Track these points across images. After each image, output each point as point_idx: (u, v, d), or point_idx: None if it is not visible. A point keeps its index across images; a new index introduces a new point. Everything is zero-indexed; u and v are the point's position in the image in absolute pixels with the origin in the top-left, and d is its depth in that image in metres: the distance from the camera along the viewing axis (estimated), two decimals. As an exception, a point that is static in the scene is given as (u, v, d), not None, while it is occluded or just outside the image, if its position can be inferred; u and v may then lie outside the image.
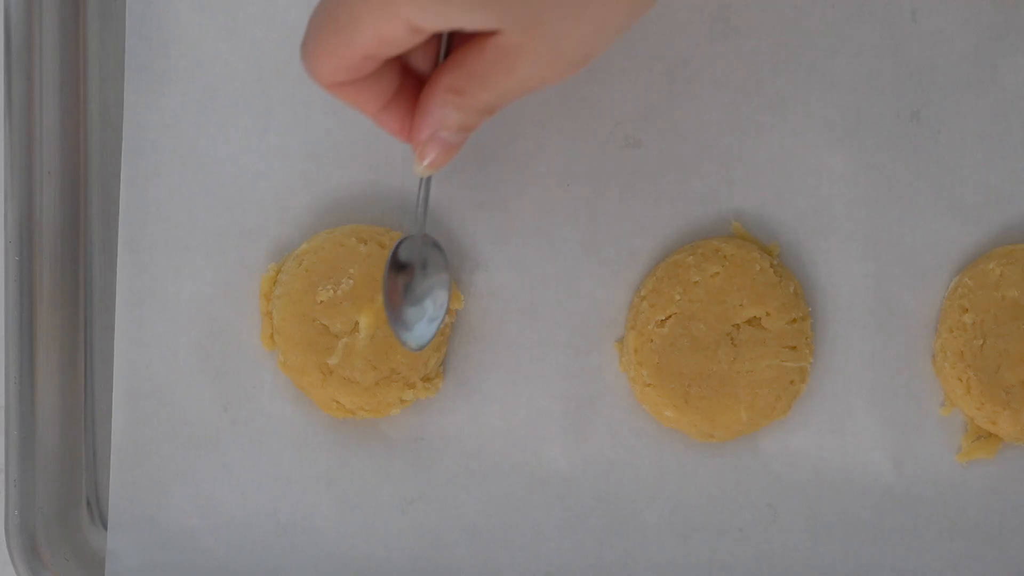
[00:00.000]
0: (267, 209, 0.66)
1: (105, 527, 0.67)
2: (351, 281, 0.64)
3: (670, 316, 0.65)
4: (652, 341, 0.65)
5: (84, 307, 0.68)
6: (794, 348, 0.65)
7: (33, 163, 0.66)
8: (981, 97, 0.66)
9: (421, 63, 0.55)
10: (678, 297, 0.65)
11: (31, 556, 0.65)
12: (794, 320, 0.65)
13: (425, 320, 0.63)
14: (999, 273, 0.65)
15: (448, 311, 0.64)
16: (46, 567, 0.65)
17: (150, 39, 0.65)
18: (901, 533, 0.66)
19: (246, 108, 0.66)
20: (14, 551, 0.65)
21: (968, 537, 0.66)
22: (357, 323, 0.64)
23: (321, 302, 0.64)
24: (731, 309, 0.65)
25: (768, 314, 0.65)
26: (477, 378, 0.66)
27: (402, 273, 0.63)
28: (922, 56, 0.66)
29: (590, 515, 0.66)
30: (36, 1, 0.66)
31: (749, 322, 0.65)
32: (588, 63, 0.50)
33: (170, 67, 0.66)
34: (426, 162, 0.56)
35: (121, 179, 0.65)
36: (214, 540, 0.66)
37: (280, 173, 0.66)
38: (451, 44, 0.55)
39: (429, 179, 0.61)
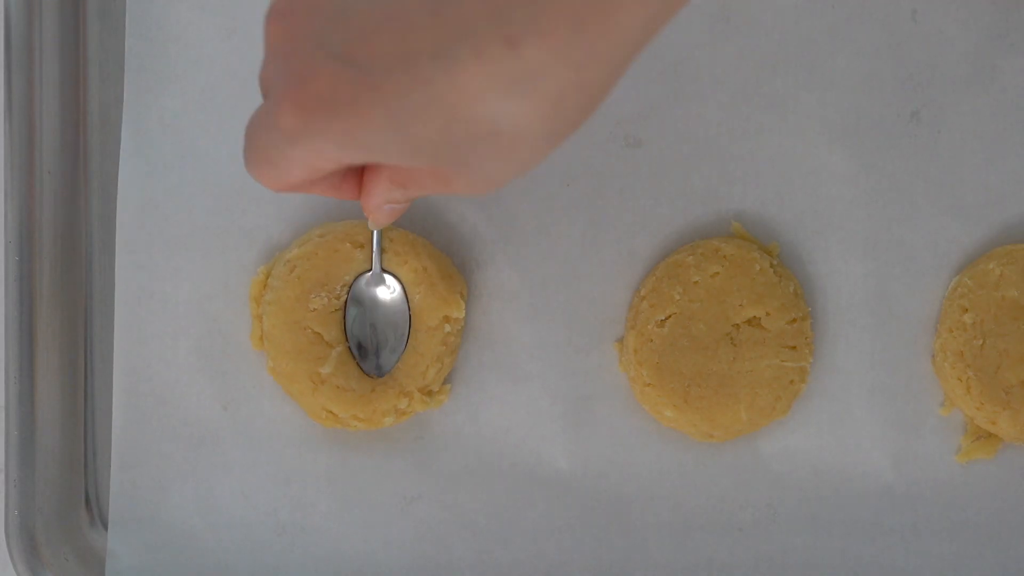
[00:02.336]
0: (266, 209, 0.66)
1: (105, 527, 0.67)
2: (347, 289, 0.64)
3: (670, 316, 0.65)
4: (652, 341, 0.65)
5: (84, 307, 0.67)
6: (794, 348, 0.65)
7: (33, 163, 0.66)
8: (981, 97, 0.66)
9: None
10: (678, 297, 0.65)
11: (31, 556, 0.65)
12: (794, 320, 0.65)
13: (387, 350, 0.65)
14: (999, 273, 0.65)
15: (451, 327, 0.64)
16: (46, 567, 0.65)
17: (149, 39, 0.65)
18: (901, 533, 0.66)
19: (245, 108, 0.65)
20: (14, 551, 0.65)
21: (968, 537, 0.66)
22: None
23: (314, 310, 0.64)
24: (731, 309, 0.65)
25: (768, 314, 0.65)
26: (477, 377, 0.66)
27: (362, 306, 0.64)
28: (922, 56, 0.66)
29: (590, 515, 0.66)
30: (36, 1, 0.65)
31: (749, 322, 0.65)
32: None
33: (169, 67, 0.65)
34: (378, 224, 0.57)
35: (119, 179, 0.65)
36: (214, 539, 0.66)
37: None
38: None
39: None
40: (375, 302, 0.64)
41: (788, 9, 0.66)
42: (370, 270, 0.64)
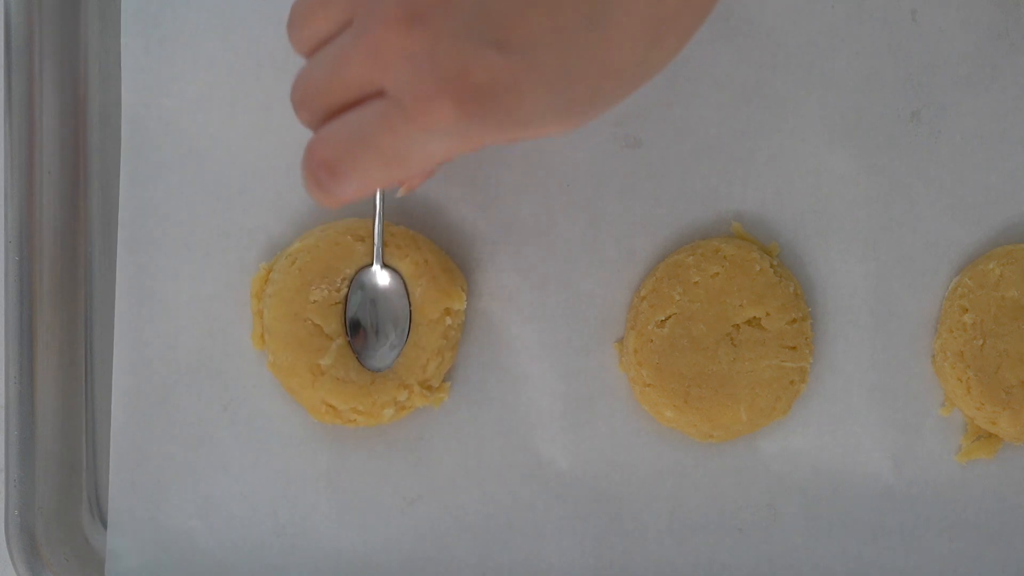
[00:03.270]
0: (267, 208, 0.66)
1: (105, 527, 0.67)
2: (347, 282, 0.64)
3: (670, 316, 0.65)
4: (652, 341, 0.64)
5: (84, 307, 0.67)
6: (794, 348, 0.65)
7: (33, 163, 0.66)
8: (981, 97, 0.66)
9: None
10: (678, 297, 0.65)
11: (31, 556, 0.65)
12: (794, 320, 0.65)
13: (387, 347, 0.65)
14: (999, 273, 0.65)
15: (452, 321, 0.64)
16: (46, 567, 0.65)
17: (147, 38, 0.65)
18: (901, 533, 0.66)
19: (245, 107, 0.66)
20: (14, 551, 0.65)
21: (968, 537, 0.66)
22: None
23: (315, 302, 0.64)
24: (731, 309, 0.65)
25: (768, 314, 0.65)
26: (477, 378, 0.66)
27: (363, 300, 0.64)
28: (922, 56, 0.66)
29: (590, 515, 0.66)
30: (36, 1, 0.65)
31: (749, 322, 0.65)
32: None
33: (168, 66, 0.65)
34: (413, 187, 0.57)
35: (120, 179, 0.65)
36: (214, 540, 0.66)
37: (280, 172, 0.66)
38: None
39: (383, 215, 0.63)
40: (376, 297, 0.64)
41: (788, 9, 0.66)
42: (371, 264, 0.64)
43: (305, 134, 0.66)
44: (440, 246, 0.66)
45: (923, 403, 0.66)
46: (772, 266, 0.65)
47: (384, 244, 0.64)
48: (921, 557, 0.66)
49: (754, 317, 0.65)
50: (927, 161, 0.66)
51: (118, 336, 0.66)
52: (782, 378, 0.65)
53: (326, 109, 0.50)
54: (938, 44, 0.66)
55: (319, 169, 0.49)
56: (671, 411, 0.65)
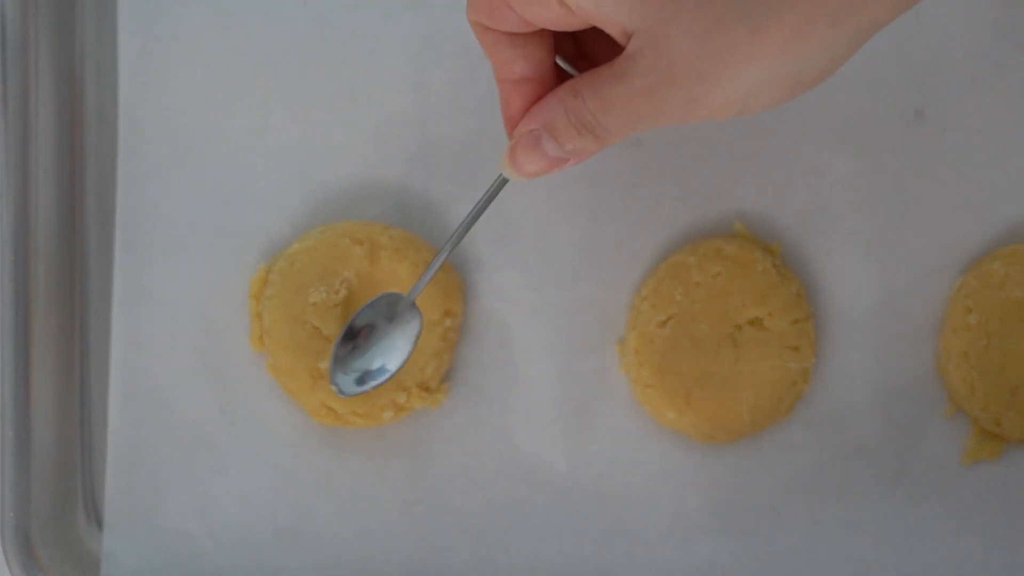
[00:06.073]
0: (265, 208, 0.66)
1: (101, 529, 0.66)
2: (346, 284, 0.64)
3: (671, 317, 0.64)
4: (653, 342, 0.64)
5: (80, 307, 0.67)
6: (796, 349, 0.65)
7: (29, 162, 0.65)
8: (986, 95, 0.66)
9: None
10: (679, 297, 0.64)
11: (27, 559, 0.65)
12: (796, 320, 0.65)
13: (367, 375, 0.61)
14: (1004, 273, 0.64)
15: (451, 322, 0.64)
16: (42, 570, 0.65)
17: (143, 36, 0.65)
18: (905, 535, 0.65)
19: (243, 106, 0.66)
20: (9, 554, 0.65)
21: (973, 539, 0.66)
22: None
23: (313, 304, 0.64)
24: (733, 309, 0.64)
25: (770, 314, 0.64)
26: (477, 379, 0.66)
27: (368, 323, 0.61)
28: (926, 54, 0.66)
29: (591, 517, 0.66)
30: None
31: (751, 323, 0.65)
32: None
33: (165, 65, 0.65)
34: (514, 162, 0.53)
35: (118, 179, 0.65)
36: (211, 543, 0.65)
37: (278, 172, 0.66)
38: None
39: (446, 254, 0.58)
40: (395, 326, 0.61)
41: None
42: (401, 294, 0.61)
43: (302, 133, 0.66)
44: (440, 247, 0.66)
45: (927, 404, 0.66)
46: (774, 266, 0.65)
47: (382, 248, 0.64)
48: (925, 560, 0.65)
49: (756, 317, 0.65)
50: (931, 160, 0.66)
51: (115, 337, 0.65)
52: (784, 379, 0.64)
53: None
54: (942, 42, 0.66)
55: None
56: (672, 412, 0.64)
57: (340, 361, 0.61)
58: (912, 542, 0.66)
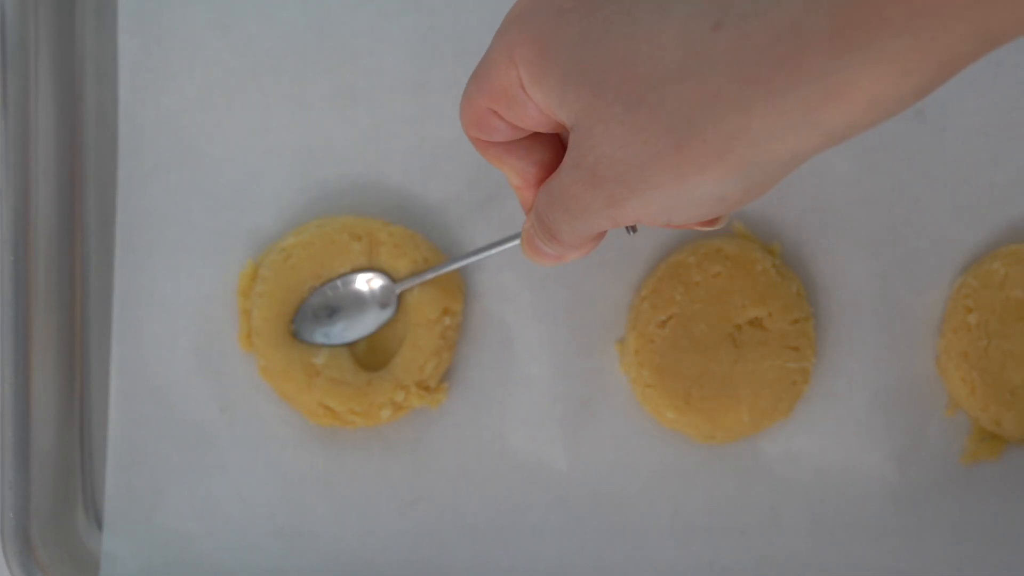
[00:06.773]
0: (265, 208, 0.66)
1: (101, 529, 0.66)
2: (344, 280, 0.64)
3: (671, 317, 0.64)
4: (653, 342, 0.64)
5: (80, 307, 0.67)
6: (796, 349, 0.64)
7: (29, 162, 0.65)
8: (986, 95, 0.66)
9: None
10: (679, 297, 0.64)
11: (26, 559, 0.65)
12: (796, 320, 0.65)
13: (330, 333, 0.65)
14: (1004, 273, 0.64)
15: (450, 321, 0.64)
16: (42, 569, 0.65)
17: (144, 37, 0.65)
18: (904, 535, 0.65)
19: (243, 107, 0.66)
20: (9, 554, 0.65)
21: (972, 539, 0.65)
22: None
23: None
24: (733, 309, 0.64)
25: (770, 314, 0.64)
26: (476, 378, 0.66)
27: (353, 290, 0.64)
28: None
29: (590, 517, 0.65)
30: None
31: (751, 322, 0.64)
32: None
33: (165, 65, 0.65)
34: (528, 256, 0.53)
35: (118, 179, 0.65)
36: (211, 543, 0.65)
37: (278, 172, 0.66)
38: None
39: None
40: (371, 304, 0.65)
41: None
42: (365, 268, 0.64)
43: (302, 133, 0.66)
44: (439, 246, 0.66)
45: (927, 404, 0.66)
46: (774, 266, 0.65)
47: (381, 244, 0.64)
48: (925, 559, 0.65)
49: (756, 317, 0.64)
50: (931, 159, 0.66)
51: (115, 337, 0.65)
52: (784, 379, 0.64)
53: None
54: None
55: None
56: (672, 412, 0.64)
57: (311, 307, 0.64)
58: (912, 542, 0.65)
